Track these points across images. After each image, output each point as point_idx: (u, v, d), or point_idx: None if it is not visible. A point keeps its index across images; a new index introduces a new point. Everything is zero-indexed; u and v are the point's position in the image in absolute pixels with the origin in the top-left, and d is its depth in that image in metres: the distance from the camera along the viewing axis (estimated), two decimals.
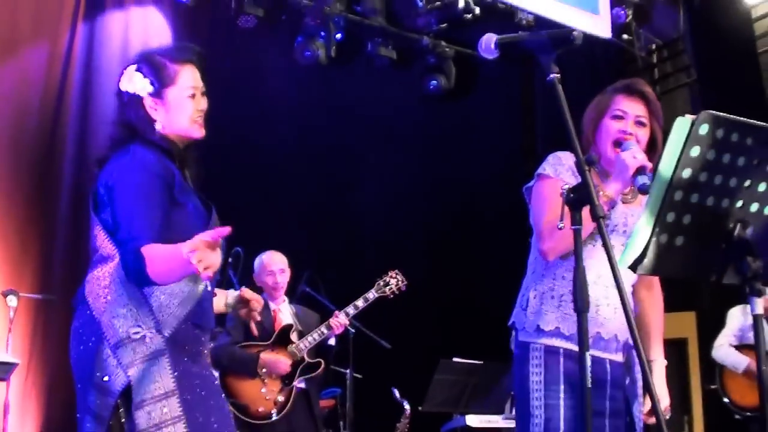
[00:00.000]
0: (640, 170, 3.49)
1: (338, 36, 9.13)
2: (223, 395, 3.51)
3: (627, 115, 3.85)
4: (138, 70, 3.50)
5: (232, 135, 8.08)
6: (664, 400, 4.01)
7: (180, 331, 3.35)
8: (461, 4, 8.94)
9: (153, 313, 3.32)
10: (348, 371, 7.34)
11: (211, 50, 8.56)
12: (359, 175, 9.79)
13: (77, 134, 8.19)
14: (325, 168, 9.81)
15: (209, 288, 3.51)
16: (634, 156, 3.54)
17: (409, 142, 10.15)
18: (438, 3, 9.18)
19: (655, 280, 4.07)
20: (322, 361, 6.87)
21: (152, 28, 8.79)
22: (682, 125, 2.69)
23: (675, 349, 9.92)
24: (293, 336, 6.78)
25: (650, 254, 2.77)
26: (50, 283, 7.72)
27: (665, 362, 4.08)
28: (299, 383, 6.76)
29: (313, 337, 6.77)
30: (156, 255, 3.12)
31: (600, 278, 3.71)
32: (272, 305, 6.87)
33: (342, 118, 9.76)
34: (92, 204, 3.49)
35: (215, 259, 2.98)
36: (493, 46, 3.15)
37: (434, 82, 9.75)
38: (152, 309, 3.32)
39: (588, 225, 2.97)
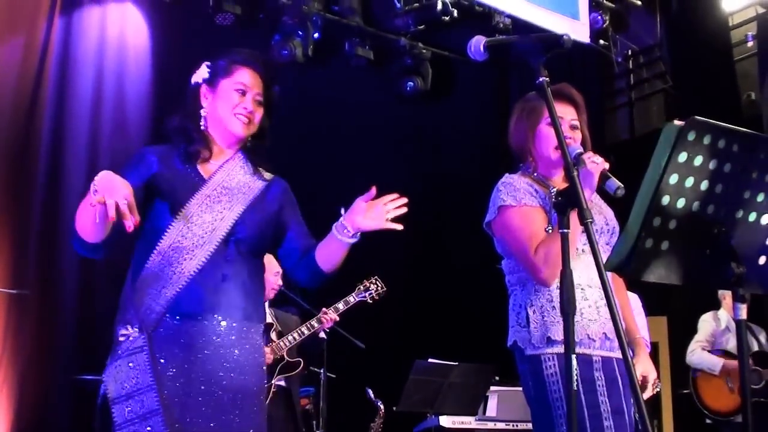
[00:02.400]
0: (605, 174, 3.52)
1: (316, 35, 9.13)
2: (220, 388, 3.44)
3: (562, 120, 3.88)
4: (207, 63, 3.69)
5: None
6: (652, 374, 4.07)
7: (162, 325, 3.36)
8: (439, 5, 8.98)
9: (137, 312, 3.35)
10: (322, 371, 7.34)
11: (188, 47, 8.59)
12: (334, 175, 9.79)
13: (52, 128, 8.14)
14: (300, 167, 9.78)
15: (218, 275, 3.47)
16: (594, 161, 3.57)
17: (385, 142, 10.15)
18: (416, 4, 9.22)
19: None
20: (302, 360, 6.88)
21: (130, 24, 8.76)
22: (670, 131, 2.71)
23: None
24: (273, 335, 6.79)
25: (635, 258, 2.79)
26: (24, 278, 7.67)
27: (646, 338, 4.13)
28: (278, 381, 6.77)
29: (293, 336, 6.78)
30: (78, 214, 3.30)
31: (593, 281, 3.73)
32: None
33: (318, 118, 9.75)
34: None
35: (113, 191, 3.07)
36: (482, 48, 3.18)
37: (411, 83, 9.77)
38: (136, 308, 3.34)
39: (576, 233, 2.98)
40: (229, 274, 3.48)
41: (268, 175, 3.78)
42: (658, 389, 4.22)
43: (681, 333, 9.09)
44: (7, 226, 7.78)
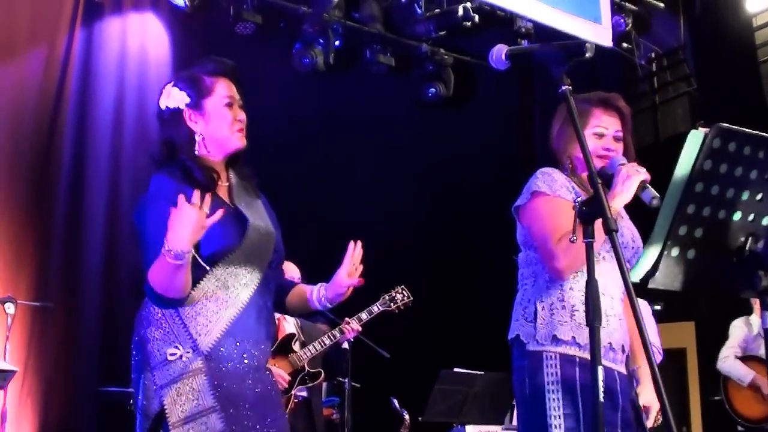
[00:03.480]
0: (643, 184, 3.52)
1: (336, 43, 9.16)
2: (280, 409, 3.49)
3: (607, 131, 3.89)
4: (175, 85, 3.54)
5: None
6: (655, 406, 4.04)
7: (219, 347, 3.34)
8: (460, 11, 8.98)
9: (189, 333, 3.32)
10: (346, 381, 7.33)
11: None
12: (357, 185, 9.80)
13: (74, 140, 8.20)
14: (323, 177, 9.81)
15: (266, 303, 3.50)
16: (637, 170, 3.57)
17: (407, 150, 10.15)
18: (437, 10, 9.22)
19: None
20: (322, 371, 6.88)
21: (150, 35, 8.81)
22: (695, 138, 2.70)
23: (674, 359, 9.93)
24: (295, 346, 6.79)
25: (662, 268, 2.78)
26: (47, 291, 7.71)
27: (657, 345, 4.11)
28: (299, 391, 6.77)
29: (315, 347, 6.77)
30: (152, 269, 3.16)
31: (606, 289, 3.72)
32: (277, 314, 6.87)
33: (340, 126, 9.77)
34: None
35: (187, 230, 3.03)
36: (504, 57, 3.16)
37: (432, 89, 9.78)
38: (188, 328, 3.33)
39: (598, 240, 2.97)
40: (269, 298, 3.54)
41: (257, 189, 3.74)
42: (658, 422, 4.20)
43: (709, 338, 9.04)
44: (30, 240, 7.83)
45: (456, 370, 7.64)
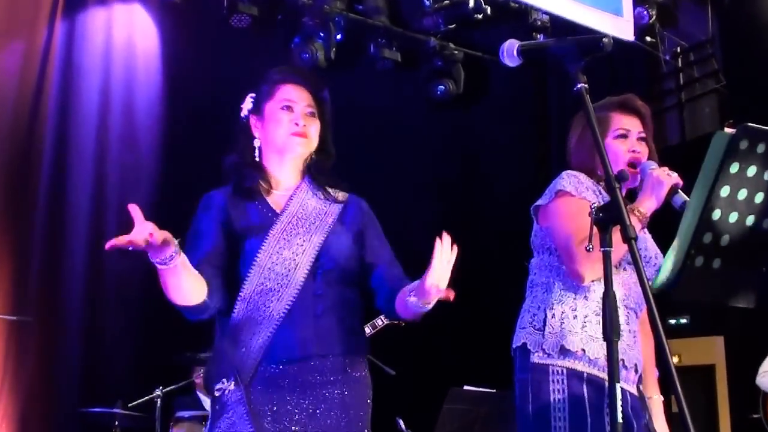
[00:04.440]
0: (674, 188, 3.54)
1: (338, 37, 9.14)
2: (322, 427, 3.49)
3: (630, 132, 3.95)
4: (251, 94, 3.73)
5: (225, 143, 8.09)
6: None
7: (259, 374, 3.41)
8: (471, 3, 8.97)
9: (231, 364, 3.41)
10: None
11: (201, 52, 8.63)
12: (361, 187, 9.79)
13: (55, 140, 8.17)
14: None
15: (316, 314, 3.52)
16: (668, 173, 3.60)
17: (414, 151, 10.15)
18: (446, 2, 9.21)
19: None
20: None
21: (138, 27, 8.82)
22: (720, 140, 2.70)
23: (702, 376, 9.92)
24: None
25: (685, 278, 2.78)
26: (25, 303, 7.70)
27: (662, 398, 4.14)
28: None
29: None
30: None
31: (622, 302, 3.74)
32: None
33: (342, 125, 9.75)
34: None
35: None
36: (515, 53, 3.17)
37: (441, 86, 9.76)
38: (229, 359, 3.42)
39: (618, 249, 2.97)
40: (322, 309, 3.51)
41: (342, 195, 3.82)
42: None
43: (740, 354, 9.03)
44: (7, 248, 7.82)
45: (466, 388, 7.64)
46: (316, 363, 3.45)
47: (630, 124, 3.96)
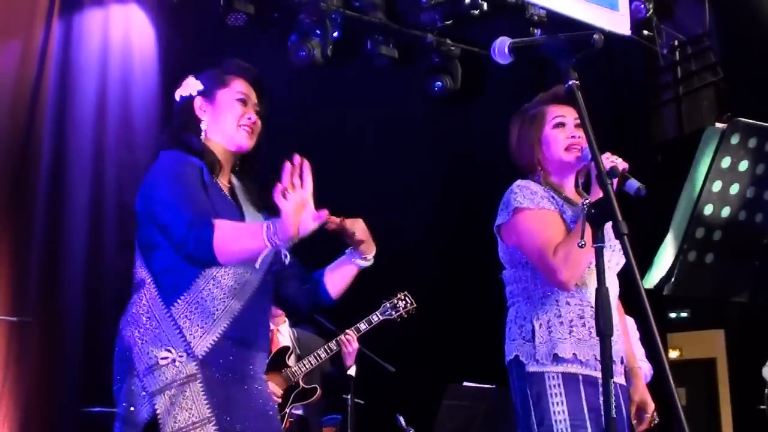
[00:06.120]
0: (624, 174, 3.53)
1: (335, 34, 9.13)
2: (276, 422, 3.59)
3: (567, 119, 3.99)
4: (193, 76, 3.74)
5: None
6: (650, 405, 4.14)
7: (215, 351, 3.41)
8: None
9: (183, 335, 3.39)
10: (349, 397, 7.34)
11: (198, 50, 8.62)
12: (358, 185, 9.80)
13: (53, 139, 8.14)
14: (322, 178, 9.80)
15: (264, 308, 3.61)
16: (612, 160, 3.60)
17: (411, 148, 10.15)
18: None
19: None
20: (318, 388, 6.87)
21: (134, 27, 8.79)
22: (711, 135, 2.71)
23: (703, 369, 9.94)
24: (290, 360, 6.79)
25: (678, 273, 2.79)
26: (24, 304, 7.70)
27: (646, 370, 4.19)
28: (295, 410, 6.77)
29: (310, 362, 6.77)
30: (225, 230, 3.25)
31: None
32: (270, 326, 6.86)
33: (339, 123, 9.77)
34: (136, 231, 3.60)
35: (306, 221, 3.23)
36: (506, 50, 3.19)
37: (439, 83, 9.75)
38: (182, 330, 3.39)
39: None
40: (268, 300, 3.65)
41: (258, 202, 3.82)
42: (656, 422, 4.26)
43: (741, 347, 9.04)
44: (6, 248, 7.80)
45: (466, 384, 7.65)
46: (262, 355, 3.63)
47: (565, 111, 4.00)
